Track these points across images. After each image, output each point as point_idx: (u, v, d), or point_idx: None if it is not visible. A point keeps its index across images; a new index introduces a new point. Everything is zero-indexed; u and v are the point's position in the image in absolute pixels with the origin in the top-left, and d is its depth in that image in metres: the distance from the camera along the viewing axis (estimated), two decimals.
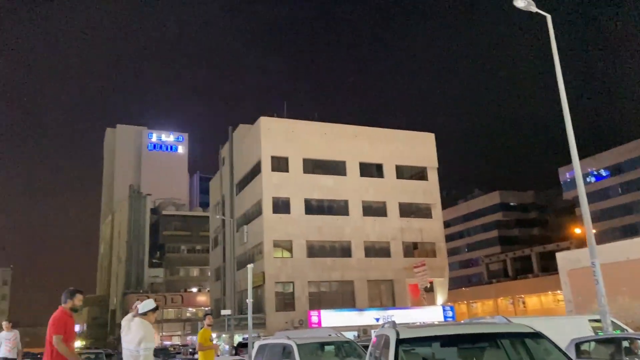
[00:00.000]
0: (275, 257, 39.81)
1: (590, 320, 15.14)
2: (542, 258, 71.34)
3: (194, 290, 74.56)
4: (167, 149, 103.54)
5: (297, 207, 40.95)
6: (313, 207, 41.58)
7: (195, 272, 77.56)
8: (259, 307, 39.51)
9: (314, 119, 45.95)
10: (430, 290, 42.74)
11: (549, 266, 60.64)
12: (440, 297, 42.44)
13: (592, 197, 78.30)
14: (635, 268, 18.69)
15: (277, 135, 42.03)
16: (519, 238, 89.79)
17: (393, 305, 41.14)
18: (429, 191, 44.98)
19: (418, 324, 21.55)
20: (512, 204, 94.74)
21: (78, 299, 6.41)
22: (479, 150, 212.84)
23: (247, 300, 43.08)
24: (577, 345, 11.09)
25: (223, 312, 34.80)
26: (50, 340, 6.02)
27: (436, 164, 46.26)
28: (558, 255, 21.58)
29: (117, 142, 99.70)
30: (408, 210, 43.99)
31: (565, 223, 76.58)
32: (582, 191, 13.59)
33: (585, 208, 13.25)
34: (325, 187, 41.95)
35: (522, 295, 61.94)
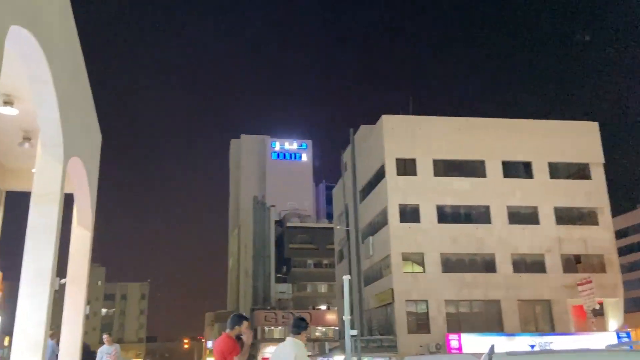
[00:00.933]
0: (404, 271, 38.74)
1: None
2: None
3: (323, 307, 75.77)
4: (290, 157, 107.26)
5: (427, 214, 39.53)
6: (447, 215, 39.86)
7: (323, 288, 78.80)
8: (388, 329, 38.68)
9: (444, 114, 44.22)
10: (599, 313, 38.52)
11: None
12: (613, 322, 38.00)
13: None
14: None
15: (401, 135, 41.08)
16: None
17: (552, 330, 37.75)
18: (593, 192, 40.75)
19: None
20: None
21: (245, 326, 6.69)
22: None
23: (373, 318, 42.59)
24: None
25: (351, 331, 34.57)
26: None
27: (602, 159, 41.84)
28: None
29: (241, 152, 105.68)
30: (567, 216, 40.24)
31: None
32: None
33: None
34: (460, 191, 39.99)
35: None
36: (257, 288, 76.31)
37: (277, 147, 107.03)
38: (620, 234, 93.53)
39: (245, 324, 6.63)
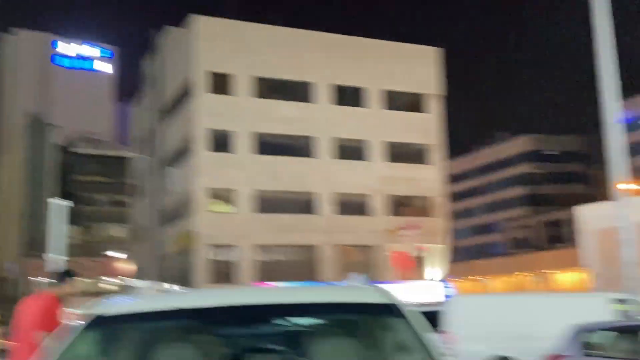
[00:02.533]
0: (211, 211, 38.21)
1: (613, 300, 14.04)
2: None
3: (119, 255, 73.17)
4: (85, 65, 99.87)
5: (243, 144, 39.12)
6: (267, 145, 39.73)
7: (118, 231, 75.98)
8: (183, 279, 38.18)
9: (275, 23, 43.21)
10: (424, 260, 41.73)
11: None
12: (439, 270, 41.47)
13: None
14: None
15: (218, 44, 39.56)
16: (552, 197, 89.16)
17: (373, 278, 40.09)
18: (427, 127, 43.24)
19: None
20: (545, 152, 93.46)
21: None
22: (502, 81, 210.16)
23: (170, 266, 41.93)
24: (581, 335, 9.75)
25: (136, 282, 33.69)
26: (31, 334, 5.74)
27: (440, 91, 44.33)
28: (581, 209, 19.96)
29: (16, 54, 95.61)
30: (398, 153, 42.29)
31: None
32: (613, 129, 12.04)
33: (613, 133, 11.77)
34: (284, 117, 39.95)
35: (551, 271, 61.74)
36: (29, 231, 71.12)
37: (63, 48, 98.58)
38: (455, 178, 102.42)
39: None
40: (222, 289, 10.01)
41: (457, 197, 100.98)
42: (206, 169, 38.10)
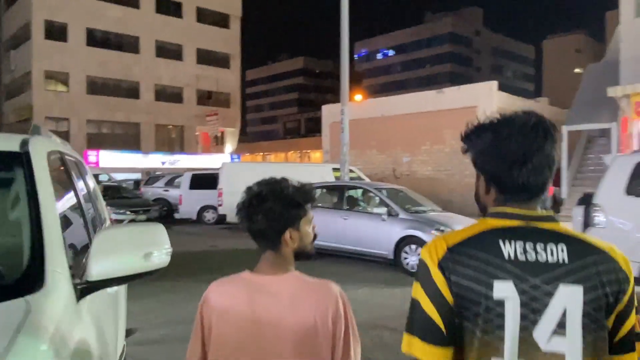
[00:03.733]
0: (47, 89, 32.48)
1: (334, 169, 14.73)
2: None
3: None
4: None
5: (76, 35, 33.25)
6: (97, 39, 34.29)
7: None
8: None
9: None
10: (221, 139, 40.43)
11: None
12: (230, 146, 40.60)
13: (377, 71, 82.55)
14: (386, 124, 18.32)
15: None
16: (314, 102, 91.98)
17: (182, 151, 38.06)
18: (230, 40, 40.59)
19: None
20: (313, 70, 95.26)
21: None
22: (289, 13, 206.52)
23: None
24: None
25: None
26: None
27: (240, 13, 41.49)
28: (324, 108, 20.42)
29: None
30: (206, 58, 39.39)
31: (354, 92, 79.81)
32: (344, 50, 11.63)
33: (344, 62, 11.49)
34: (112, 17, 34.56)
35: (309, 150, 64.33)
36: None
37: None
38: (251, 83, 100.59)
39: None
40: None
41: (252, 96, 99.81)
42: (44, 54, 31.94)
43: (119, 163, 32.73)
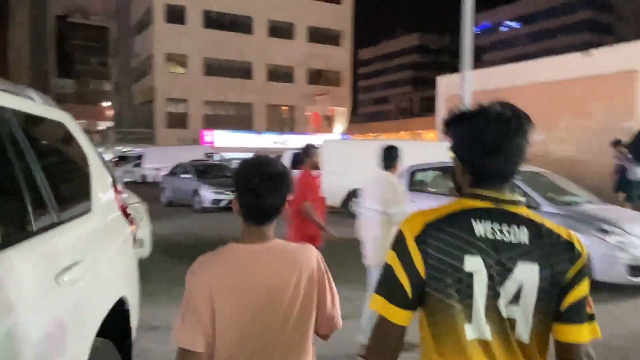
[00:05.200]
0: (168, 71, 33.97)
1: (448, 148, 12.40)
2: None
3: (106, 104, 67.56)
4: None
5: (194, 18, 34.08)
6: (213, 20, 34.86)
7: (106, 85, 69.55)
8: (149, 123, 34.78)
9: None
10: (331, 119, 39.54)
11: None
12: (339, 126, 39.51)
13: (500, 44, 75.59)
14: (515, 95, 15.36)
15: None
16: (430, 80, 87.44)
17: (292, 131, 37.86)
18: (341, 16, 39.06)
19: None
20: (429, 46, 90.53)
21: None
22: None
23: (139, 114, 38.09)
24: (413, 173, 8.01)
25: (101, 124, 29.95)
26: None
27: None
28: (439, 79, 17.77)
29: None
30: (317, 36, 38.38)
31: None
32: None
33: (467, 16, 9.19)
34: None
35: (421, 131, 61.29)
36: (35, 81, 63.84)
37: None
38: (363, 63, 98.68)
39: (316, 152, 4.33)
40: None
41: (364, 76, 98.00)
42: (164, 37, 33.30)
43: (233, 143, 33.30)
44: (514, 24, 75.90)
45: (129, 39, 38.49)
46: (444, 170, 7.89)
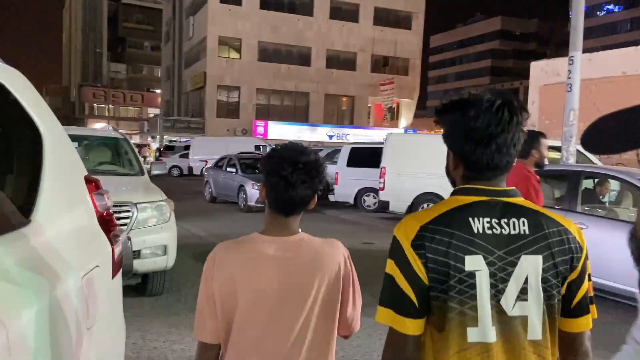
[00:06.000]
0: (220, 56, 34.33)
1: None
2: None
3: (158, 91, 69.93)
4: None
5: None
6: (270, 2, 34.85)
7: (159, 71, 71.93)
8: (199, 112, 35.35)
9: None
10: (396, 112, 38.50)
11: None
12: (404, 120, 38.42)
13: (598, 31, 70.99)
14: (629, 85, 13.65)
15: None
16: (512, 70, 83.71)
17: (351, 124, 37.24)
18: None
19: None
20: (513, 32, 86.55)
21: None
22: None
23: (190, 102, 38.84)
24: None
25: (151, 110, 30.71)
26: None
27: None
28: (533, 65, 16.26)
29: None
30: (385, 18, 37.42)
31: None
32: None
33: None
34: None
35: None
36: (87, 64, 67.20)
37: None
38: (435, 50, 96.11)
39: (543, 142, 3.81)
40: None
41: (434, 66, 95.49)
42: (218, 19, 33.67)
43: (286, 135, 33.12)
44: (614, 8, 71.05)
45: (184, 21, 39.26)
46: (548, 175, 6.96)
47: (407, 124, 38.13)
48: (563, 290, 1.20)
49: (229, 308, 1.37)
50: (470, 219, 1.17)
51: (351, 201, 14.24)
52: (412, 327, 1.16)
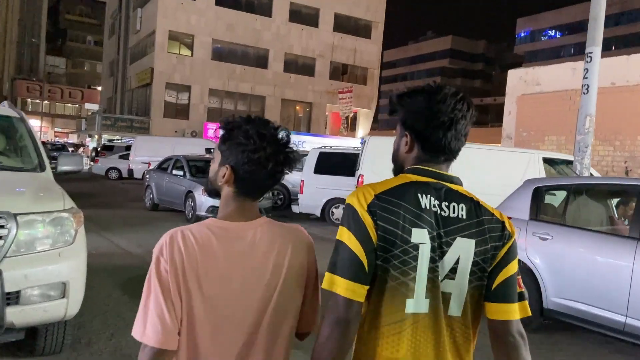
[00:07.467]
0: (170, 52, 31.79)
1: (546, 159, 9.92)
2: (476, 110, 67.70)
3: (99, 88, 65.67)
4: None
5: None
6: None
7: (101, 67, 67.75)
8: (144, 110, 32.56)
9: None
10: (352, 122, 37.14)
11: (480, 119, 57.67)
12: (362, 130, 37.11)
13: (543, 55, 73.21)
14: (618, 97, 12.46)
15: None
16: (460, 88, 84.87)
17: (308, 131, 35.47)
18: (374, 5, 36.80)
19: None
20: (461, 51, 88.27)
21: None
22: None
23: (134, 99, 35.87)
24: (537, 191, 5.31)
25: (88, 105, 27.87)
26: None
27: None
28: (510, 73, 15.07)
29: None
30: (345, 25, 36.12)
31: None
32: None
33: None
34: None
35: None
36: (22, 56, 62.20)
37: None
38: (389, 65, 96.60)
39: None
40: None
41: (388, 80, 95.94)
42: (170, 12, 31.17)
43: None
44: (556, 34, 73.51)
45: (131, 13, 36.37)
46: (572, 190, 5.47)
47: (364, 134, 36.76)
48: (489, 273, 1.26)
49: (179, 308, 1.21)
50: (419, 195, 1.23)
51: (317, 213, 12.42)
52: (358, 292, 1.18)
